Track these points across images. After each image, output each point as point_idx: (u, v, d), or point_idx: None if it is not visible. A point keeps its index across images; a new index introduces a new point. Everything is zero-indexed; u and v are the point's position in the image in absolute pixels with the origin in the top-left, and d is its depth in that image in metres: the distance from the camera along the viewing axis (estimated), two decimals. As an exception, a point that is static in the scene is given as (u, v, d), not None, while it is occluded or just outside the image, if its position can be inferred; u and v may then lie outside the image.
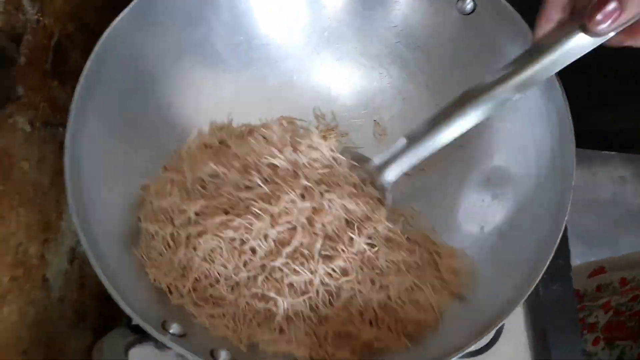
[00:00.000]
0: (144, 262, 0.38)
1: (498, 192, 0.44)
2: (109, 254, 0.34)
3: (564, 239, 0.53)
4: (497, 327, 0.38)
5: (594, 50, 0.34)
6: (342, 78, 0.50)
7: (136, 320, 0.29)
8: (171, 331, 0.31)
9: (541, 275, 0.36)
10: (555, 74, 0.39)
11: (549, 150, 0.40)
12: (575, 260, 1.13)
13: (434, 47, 0.47)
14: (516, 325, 0.49)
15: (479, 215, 0.44)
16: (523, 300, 0.36)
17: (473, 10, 0.44)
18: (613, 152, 1.14)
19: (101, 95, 0.39)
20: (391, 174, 0.43)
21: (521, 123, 0.43)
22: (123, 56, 0.41)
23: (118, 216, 0.38)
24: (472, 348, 0.38)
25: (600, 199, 1.22)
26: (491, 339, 0.45)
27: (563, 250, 0.54)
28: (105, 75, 0.39)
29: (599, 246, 1.18)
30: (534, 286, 0.36)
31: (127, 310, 0.29)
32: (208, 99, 0.47)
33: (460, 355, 0.34)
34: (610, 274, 0.66)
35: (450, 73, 0.47)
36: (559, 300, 0.51)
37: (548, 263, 0.36)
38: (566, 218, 0.37)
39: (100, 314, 0.49)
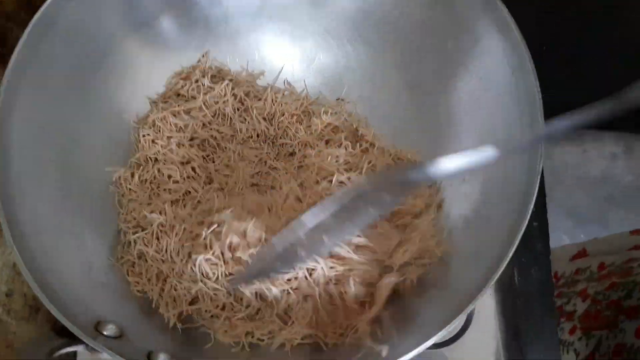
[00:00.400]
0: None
1: (467, 175, 0.42)
2: (40, 248, 0.32)
3: (544, 224, 0.51)
4: (465, 315, 0.37)
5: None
6: (306, 57, 0.48)
7: (61, 320, 0.27)
8: (105, 333, 0.30)
9: (506, 262, 0.34)
10: (528, 52, 0.36)
11: (518, 131, 0.38)
12: (564, 237, 1.12)
13: (400, 22, 0.44)
14: (486, 314, 0.47)
15: (448, 200, 0.42)
16: (489, 286, 0.34)
17: (441, -17, 0.41)
18: (604, 130, 1.12)
19: (37, 74, 0.36)
20: None
21: (491, 104, 0.40)
22: (65, 32, 0.38)
23: (51, 209, 0.35)
24: (440, 338, 0.36)
25: (591, 176, 1.21)
26: (460, 329, 0.43)
27: (542, 235, 0.53)
28: (43, 52, 0.36)
29: (588, 223, 1.17)
30: (499, 272, 0.34)
31: (51, 308, 0.28)
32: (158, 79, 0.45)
33: (429, 344, 0.32)
34: (591, 258, 0.64)
35: (421, 53, 0.44)
36: (536, 285, 0.49)
37: (514, 249, 0.34)
38: (533, 202, 0.35)
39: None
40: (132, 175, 0.42)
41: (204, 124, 0.45)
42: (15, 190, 0.32)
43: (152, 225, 0.39)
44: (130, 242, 0.40)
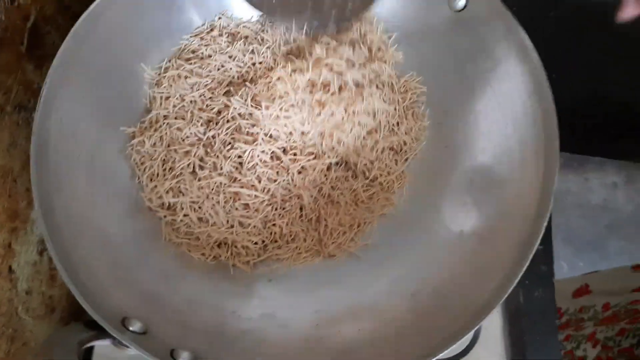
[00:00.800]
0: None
1: (480, 194, 0.43)
2: (73, 243, 0.33)
3: (549, 246, 0.52)
4: (473, 332, 0.38)
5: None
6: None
7: (92, 315, 0.28)
8: (131, 328, 0.30)
9: (516, 282, 0.35)
10: (546, 77, 0.38)
11: (533, 155, 0.39)
12: (563, 264, 1.13)
13: (423, 43, 0.46)
14: (493, 331, 0.48)
15: (459, 217, 0.43)
16: (498, 304, 0.35)
17: (465, 7, 0.43)
18: (606, 159, 1.14)
19: (76, 78, 0.38)
20: None
21: (507, 124, 0.41)
22: (103, 38, 0.39)
23: (80, 204, 0.36)
24: (447, 354, 0.37)
25: (592, 204, 1.22)
26: (467, 345, 0.44)
27: (547, 257, 0.54)
28: (82, 57, 0.38)
29: (588, 251, 1.18)
30: (508, 292, 0.35)
31: (83, 303, 0.28)
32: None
33: (435, 360, 0.33)
34: (594, 296, 0.65)
35: (440, 70, 0.46)
36: (540, 307, 0.50)
37: (524, 270, 0.35)
38: (545, 224, 0.36)
39: (72, 307, 0.48)
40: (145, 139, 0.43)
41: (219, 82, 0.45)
42: (51, 186, 0.33)
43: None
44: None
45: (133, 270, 0.37)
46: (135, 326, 0.31)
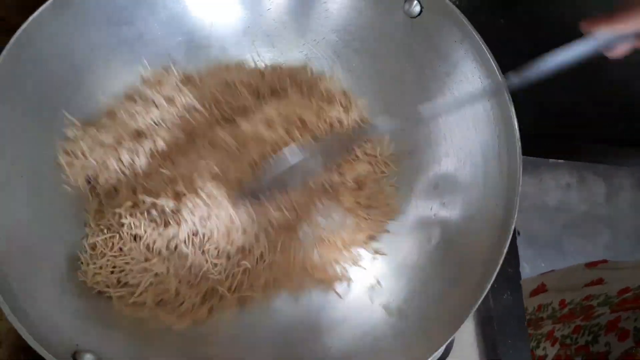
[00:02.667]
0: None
1: (446, 200, 0.43)
2: (16, 273, 0.30)
3: (514, 248, 0.53)
4: (447, 342, 0.37)
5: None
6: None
7: (38, 351, 0.26)
8: (83, 363, 0.28)
9: (489, 286, 0.34)
10: (503, 79, 0.38)
11: (496, 157, 0.39)
12: (525, 266, 1.16)
13: (380, 49, 0.45)
14: (466, 337, 0.47)
15: (427, 225, 0.43)
16: (472, 312, 0.34)
17: (420, 13, 0.42)
18: (559, 160, 1.18)
19: (12, 96, 0.35)
20: None
21: (469, 129, 0.41)
22: (43, 54, 0.37)
23: (21, 230, 0.33)
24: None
25: (548, 206, 1.26)
26: (442, 353, 0.43)
27: (512, 259, 0.54)
28: (20, 73, 0.36)
29: (548, 251, 1.21)
30: (482, 298, 0.34)
31: (28, 339, 0.26)
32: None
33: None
34: (551, 294, 0.66)
35: (400, 79, 0.45)
36: (510, 309, 0.50)
37: (496, 273, 0.35)
38: (513, 226, 0.36)
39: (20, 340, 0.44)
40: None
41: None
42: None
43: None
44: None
45: (81, 296, 0.34)
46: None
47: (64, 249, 0.37)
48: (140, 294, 0.37)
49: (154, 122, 0.43)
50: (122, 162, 0.40)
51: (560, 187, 1.25)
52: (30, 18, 0.35)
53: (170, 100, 0.43)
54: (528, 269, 1.17)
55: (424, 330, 0.38)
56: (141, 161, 0.41)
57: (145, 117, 0.42)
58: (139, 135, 0.42)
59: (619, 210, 1.21)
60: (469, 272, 0.37)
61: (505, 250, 0.35)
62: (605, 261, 0.67)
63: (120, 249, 0.38)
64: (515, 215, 0.36)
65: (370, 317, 0.40)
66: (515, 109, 0.38)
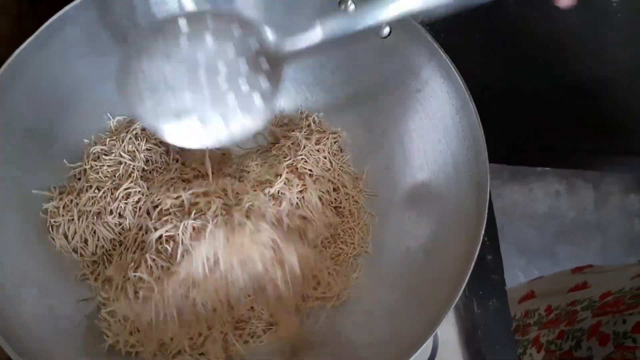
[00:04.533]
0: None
1: (422, 210, 0.44)
2: (6, 298, 0.31)
3: (497, 256, 0.54)
4: (431, 346, 0.38)
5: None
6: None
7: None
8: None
9: (462, 288, 0.36)
10: (469, 93, 0.40)
11: (465, 165, 0.41)
12: (519, 274, 1.16)
13: (357, 73, 0.47)
14: (451, 345, 0.48)
15: (405, 234, 0.44)
16: (445, 315, 0.36)
17: (389, 34, 0.45)
18: (547, 168, 1.20)
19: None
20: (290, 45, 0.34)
21: (440, 140, 0.43)
22: (30, 85, 0.39)
23: (13, 256, 0.35)
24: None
25: (539, 214, 1.28)
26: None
27: (497, 266, 0.55)
28: (8, 105, 0.37)
29: (540, 259, 1.22)
30: (455, 301, 0.36)
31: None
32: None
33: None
34: (538, 300, 0.67)
35: (374, 96, 0.48)
36: (495, 316, 0.51)
37: (467, 278, 0.36)
38: (483, 231, 0.37)
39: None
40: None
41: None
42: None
43: None
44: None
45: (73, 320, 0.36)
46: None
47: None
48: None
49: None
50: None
51: (550, 194, 1.26)
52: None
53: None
54: (522, 277, 1.18)
55: (403, 334, 0.39)
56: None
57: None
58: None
59: (609, 215, 1.22)
60: (444, 278, 0.39)
61: (475, 256, 0.37)
62: (590, 266, 0.68)
63: None
64: (484, 223, 0.38)
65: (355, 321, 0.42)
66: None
